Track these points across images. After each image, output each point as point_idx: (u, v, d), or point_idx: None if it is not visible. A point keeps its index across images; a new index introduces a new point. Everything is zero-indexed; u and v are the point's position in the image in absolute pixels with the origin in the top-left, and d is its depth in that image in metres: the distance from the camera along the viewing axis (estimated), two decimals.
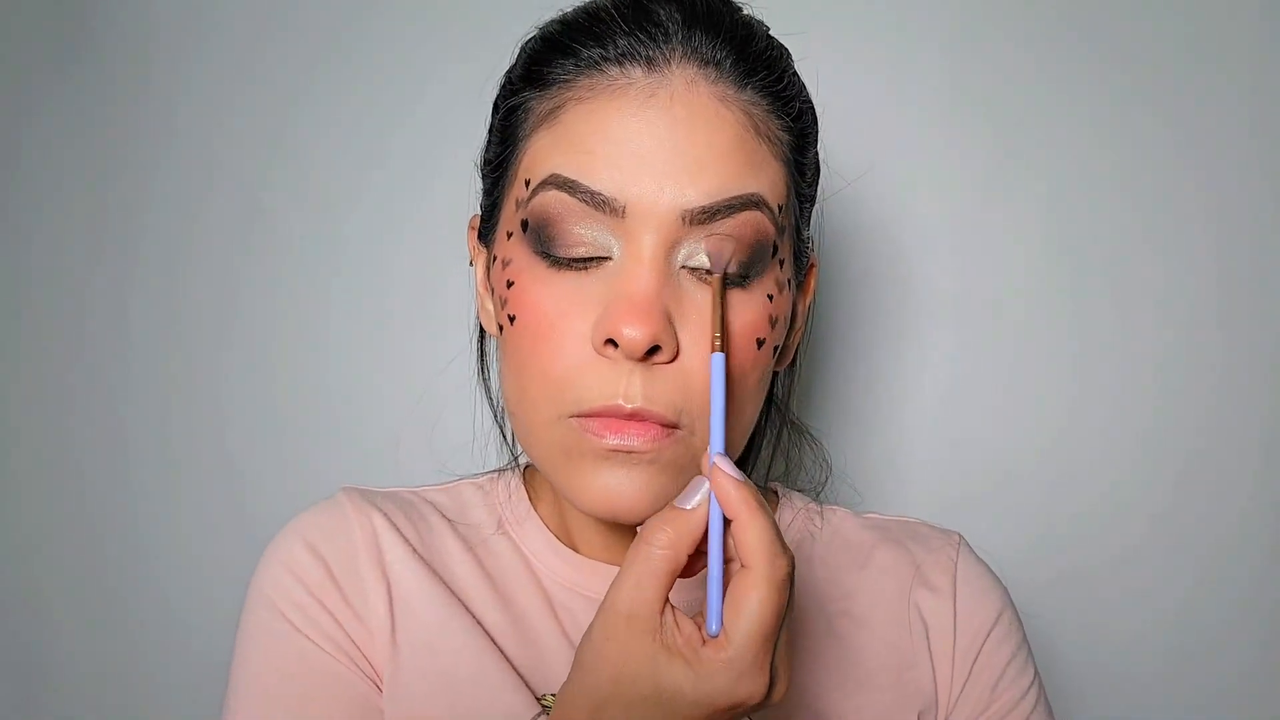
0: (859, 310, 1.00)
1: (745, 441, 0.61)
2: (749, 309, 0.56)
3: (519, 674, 0.60)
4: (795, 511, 0.71)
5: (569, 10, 0.60)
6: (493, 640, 0.61)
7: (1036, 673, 0.68)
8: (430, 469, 0.75)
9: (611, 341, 0.53)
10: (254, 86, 1.06)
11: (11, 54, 1.09)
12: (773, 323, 0.57)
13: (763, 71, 0.57)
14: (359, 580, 0.62)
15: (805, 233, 0.63)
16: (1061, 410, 0.99)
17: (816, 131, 0.63)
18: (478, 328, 0.70)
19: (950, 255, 0.99)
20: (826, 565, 0.68)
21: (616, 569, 0.64)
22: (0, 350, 1.10)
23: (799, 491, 0.74)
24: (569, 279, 0.55)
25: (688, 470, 0.56)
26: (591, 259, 0.55)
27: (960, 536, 0.71)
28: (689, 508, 0.49)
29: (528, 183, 0.56)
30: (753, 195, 0.55)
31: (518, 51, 0.62)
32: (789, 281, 0.59)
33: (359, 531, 0.64)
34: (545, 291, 0.55)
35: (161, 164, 1.07)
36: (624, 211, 0.53)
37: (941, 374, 1.00)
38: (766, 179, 0.56)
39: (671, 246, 0.54)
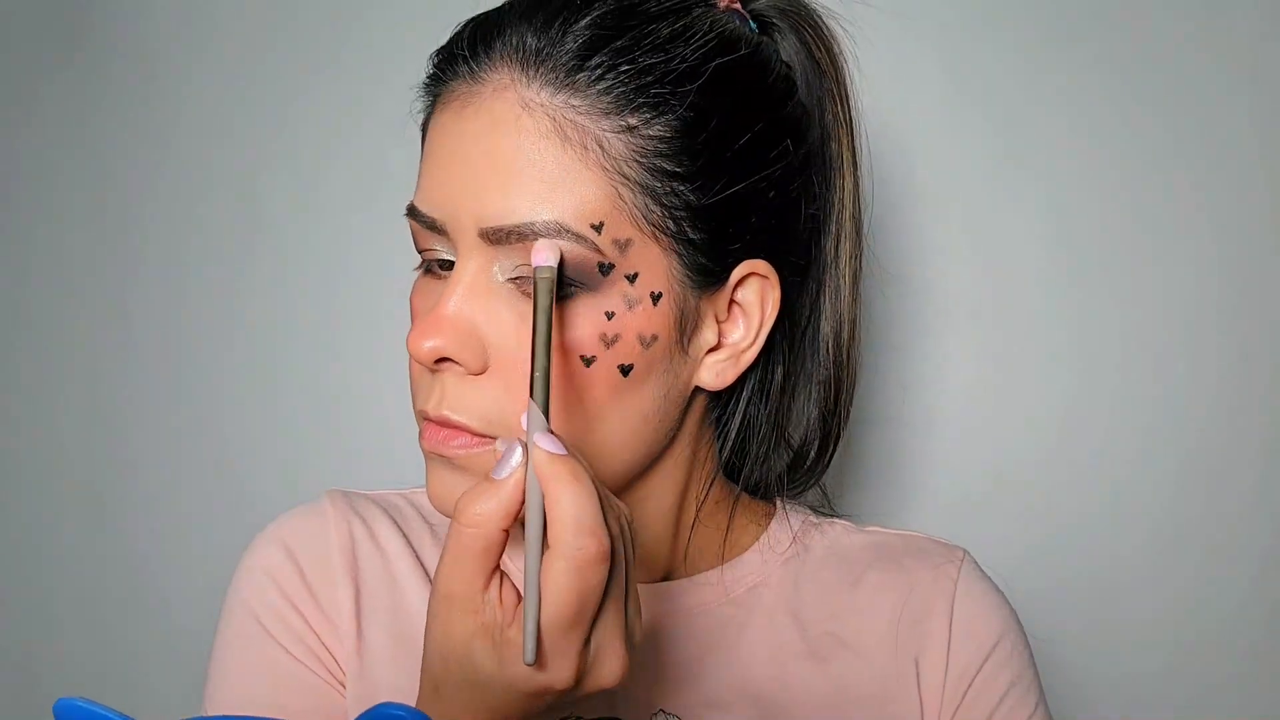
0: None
1: (614, 458, 0.57)
2: (573, 325, 0.53)
3: None
4: (789, 527, 0.68)
5: None
6: None
7: (1040, 702, 0.66)
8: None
9: None
10: (254, 88, 1.06)
11: (12, 54, 1.09)
12: (607, 341, 0.53)
13: (598, 58, 0.52)
14: (331, 586, 0.62)
15: (730, 242, 0.56)
16: (1061, 411, 0.99)
17: (718, 125, 0.54)
18: None
19: (949, 258, 0.99)
20: (816, 583, 0.66)
21: None
22: (1, 351, 1.10)
23: (805, 507, 0.71)
24: (430, 286, 0.56)
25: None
26: (445, 265, 0.55)
27: (965, 553, 0.69)
28: (501, 478, 0.46)
29: None
30: (550, 224, 0.51)
31: None
32: (655, 296, 0.54)
33: (335, 537, 0.64)
34: (415, 297, 0.57)
35: (161, 165, 1.07)
36: (445, 229, 0.53)
37: (939, 376, 1.00)
38: (574, 196, 0.51)
39: (488, 261, 0.53)
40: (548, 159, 0.51)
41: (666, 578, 0.64)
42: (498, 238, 0.51)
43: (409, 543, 0.65)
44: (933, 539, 0.70)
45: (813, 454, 0.67)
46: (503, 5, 0.56)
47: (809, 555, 0.67)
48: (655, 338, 0.55)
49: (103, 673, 1.08)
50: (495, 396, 0.53)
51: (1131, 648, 0.98)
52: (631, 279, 0.53)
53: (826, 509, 0.72)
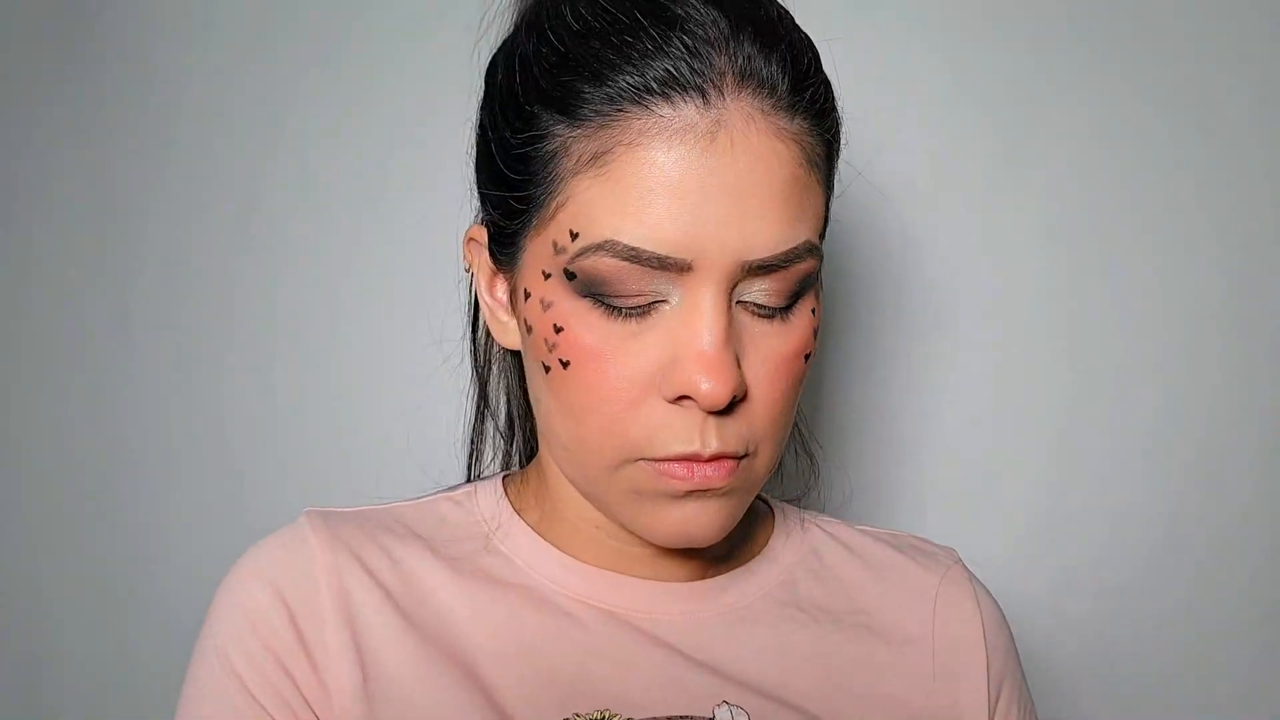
0: (855, 311, 1.00)
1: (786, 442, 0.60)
2: (798, 329, 0.55)
3: (505, 712, 0.57)
4: (794, 523, 0.69)
5: None
6: (478, 678, 0.57)
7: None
8: (427, 467, 0.75)
9: (685, 395, 0.52)
10: (255, 88, 1.06)
11: (13, 54, 1.09)
12: (816, 333, 0.57)
13: (810, 89, 0.53)
14: (320, 628, 0.57)
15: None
16: (1061, 411, 0.99)
17: (840, 141, 0.59)
18: (468, 327, 0.69)
19: (948, 258, 0.99)
20: (840, 579, 0.66)
21: (627, 578, 0.61)
22: (1, 351, 1.10)
23: (788, 502, 0.72)
24: (626, 324, 0.53)
25: (752, 487, 0.57)
26: (650, 304, 0.53)
27: (957, 553, 0.70)
28: None
29: (574, 234, 0.52)
30: (806, 244, 0.53)
31: (523, 51, 0.55)
32: (820, 289, 0.58)
33: (323, 571, 0.59)
34: (603, 340, 0.53)
35: (162, 165, 1.07)
36: (690, 267, 0.51)
37: (938, 377, 1.00)
38: (815, 214, 0.54)
39: (728, 289, 0.52)
40: (799, 186, 0.53)
41: (700, 576, 0.64)
42: (763, 270, 0.52)
43: (400, 562, 0.61)
44: (921, 538, 0.71)
45: None
46: (681, 29, 0.51)
47: (824, 552, 0.68)
48: (819, 327, 0.59)
49: (103, 673, 1.08)
50: (749, 419, 0.54)
51: (1130, 648, 0.98)
52: (819, 275, 0.57)
53: (814, 506, 0.73)
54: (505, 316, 0.61)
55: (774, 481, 0.74)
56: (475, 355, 0.69)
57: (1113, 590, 0.98)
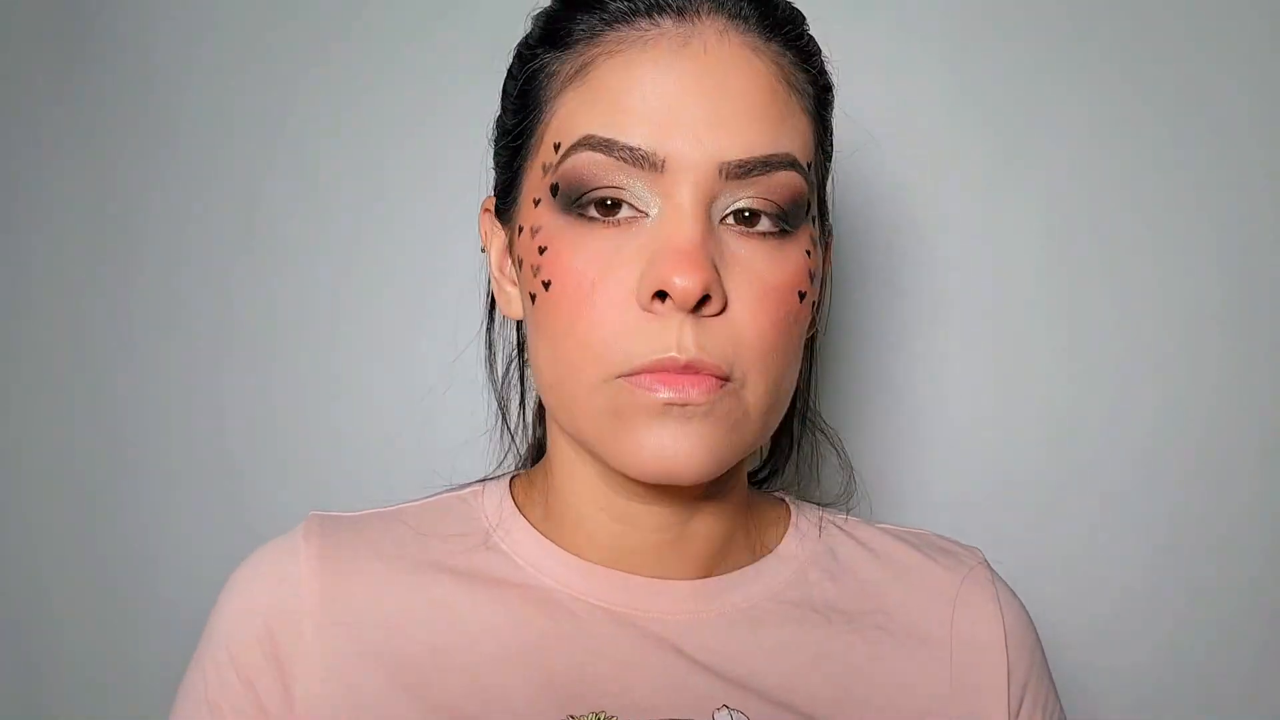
0: (854, 310, 1.00)
1: (788, 401, 0.59)
2: (790, 261, 0.55)
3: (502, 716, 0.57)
4: (810, 521, 0.68)
5: None
6: (478, 685, 0.57)
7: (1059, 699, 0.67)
8: (428, 467, 0.75)
9: (660, 295, 0.52)
10: (255, 89, 1.06)
11: (13, 55, 1.09)
12: (811, 277, 0.56)
13: (787, 26, 0.57)
14: (296, 646, 0.58)
15: (824, 195, 0.62)
16: (1062, 412, 0.99)
17: (833, 95, 0.61)
18: (486, 317, 0.69)
19: (949, 257, 0.99)
20: (857, 578, 0.65)
21: (630, 576, 0.60)
22: (1, 351, 1.10)
23: (808, 502, 0.71)
24: (606, 236, 0.53)
25: (740, 425, 0.54)
26: (628, 215, 0.53)
27: (981, 552, 0.69)
28: None
29: (557, 146, 0.55)
30: (787, 155, 0.54)
31: (532, 19, 0.60)
32: (817, 241, 0.58)
33: (309, 594, 0.59)
34: (582, 252, 0.54)
35: (162, 165, 1.07)
36: (663, 165, 0.52)
37: (939, 377, 1.00)
38: (799, 135, 0.55)
39: (710, 200, 0.53)
40: (778, 99, 0.54)
41: (705, 574, 0.62)
42: (739, 172, 0.53)
43: (397, 565, 0.61)
44: (946, 537, 0.70)
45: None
46: None
47: (841, 552, 0.66)
48: (820, 280, 0.59)
49: (103, 673, 1.08)
50: (732, 336, 0.53)
51: (1130, 648, 0.98)
52: (813, 220, 0.57)
53: (841, 504, 0.72)
54: (510, 287, 0.62)
55: (805, 487, 0.73)
56: (489, 343, 0.70)
57: (1113, 590, 0.98)
